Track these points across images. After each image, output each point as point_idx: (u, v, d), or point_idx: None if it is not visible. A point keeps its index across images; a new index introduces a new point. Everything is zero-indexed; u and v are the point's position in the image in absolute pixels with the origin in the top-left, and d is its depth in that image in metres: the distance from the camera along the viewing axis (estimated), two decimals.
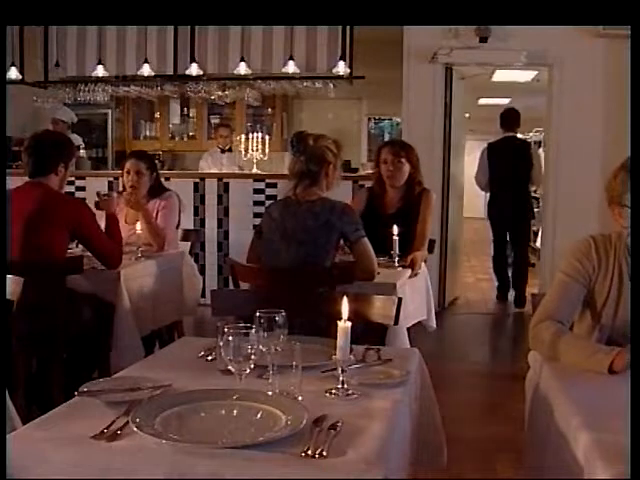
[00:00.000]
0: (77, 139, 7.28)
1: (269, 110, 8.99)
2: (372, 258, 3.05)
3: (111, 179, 6.18)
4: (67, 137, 3.99)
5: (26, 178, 3.31)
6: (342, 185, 4.06)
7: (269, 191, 5.98)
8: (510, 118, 6.36)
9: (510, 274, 6.50)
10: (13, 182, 3.34)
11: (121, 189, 4.41)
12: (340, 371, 1.67)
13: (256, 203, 5.98)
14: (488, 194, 6.55)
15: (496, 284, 6.71)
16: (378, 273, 3.13)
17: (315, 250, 2.99)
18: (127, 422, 1.45)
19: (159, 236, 3.90)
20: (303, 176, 3.06)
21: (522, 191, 6.30)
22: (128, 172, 4.03)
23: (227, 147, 7.54)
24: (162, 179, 4.31)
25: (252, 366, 1.61)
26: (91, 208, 3.39)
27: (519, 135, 6.60)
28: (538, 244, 7.77)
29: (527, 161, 6.26)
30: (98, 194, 3.66)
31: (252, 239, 3.22)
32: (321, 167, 3.07)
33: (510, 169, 6.23)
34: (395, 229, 3.50)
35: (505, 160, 6.26)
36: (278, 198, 3.25)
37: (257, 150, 7.09)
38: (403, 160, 3.87)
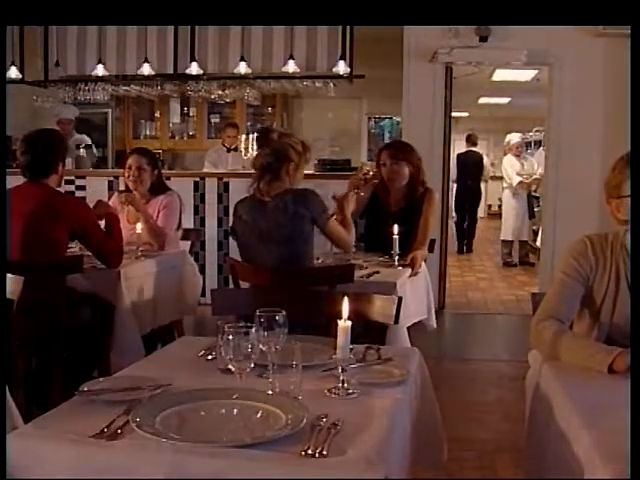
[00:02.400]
0: (85, 139, 7.25)
1: (269, 109, 8.98)
2: (342, 232, 3.15)
3: (111, 178, 6.16)
4: (59, 133, 3.97)
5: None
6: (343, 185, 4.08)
7: None
8: (472, 138, 10.14)
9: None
10: (13, 181, 3.33)
11: (122, 188, 4.40)
12: (340, 370, 1.67)
13: None
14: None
15: (456, 241, 10.04)
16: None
17: (295, 245, 3.00)
18: (127, 421, 1.45)
19: (159, 236, 3.89)
20: (264, 170, 3.04)
21: (476, 184, 10.12)
22: (130, 167, 4.03)
23: (233, 147, 7.53)
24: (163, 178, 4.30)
25: (252, 365, 1.61)
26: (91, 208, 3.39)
27: (476, 148, 10.36)
28: (538, 243, 7.78)
29: (480, 166, 10.11)
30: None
31: None
32: (282, 163, 3.03)
33: (469, 170, 9.88)
34: (395, 228, 3.50)
35: (467, 165, 9.90)
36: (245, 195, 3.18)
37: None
38: (401, 163, 3.87)
